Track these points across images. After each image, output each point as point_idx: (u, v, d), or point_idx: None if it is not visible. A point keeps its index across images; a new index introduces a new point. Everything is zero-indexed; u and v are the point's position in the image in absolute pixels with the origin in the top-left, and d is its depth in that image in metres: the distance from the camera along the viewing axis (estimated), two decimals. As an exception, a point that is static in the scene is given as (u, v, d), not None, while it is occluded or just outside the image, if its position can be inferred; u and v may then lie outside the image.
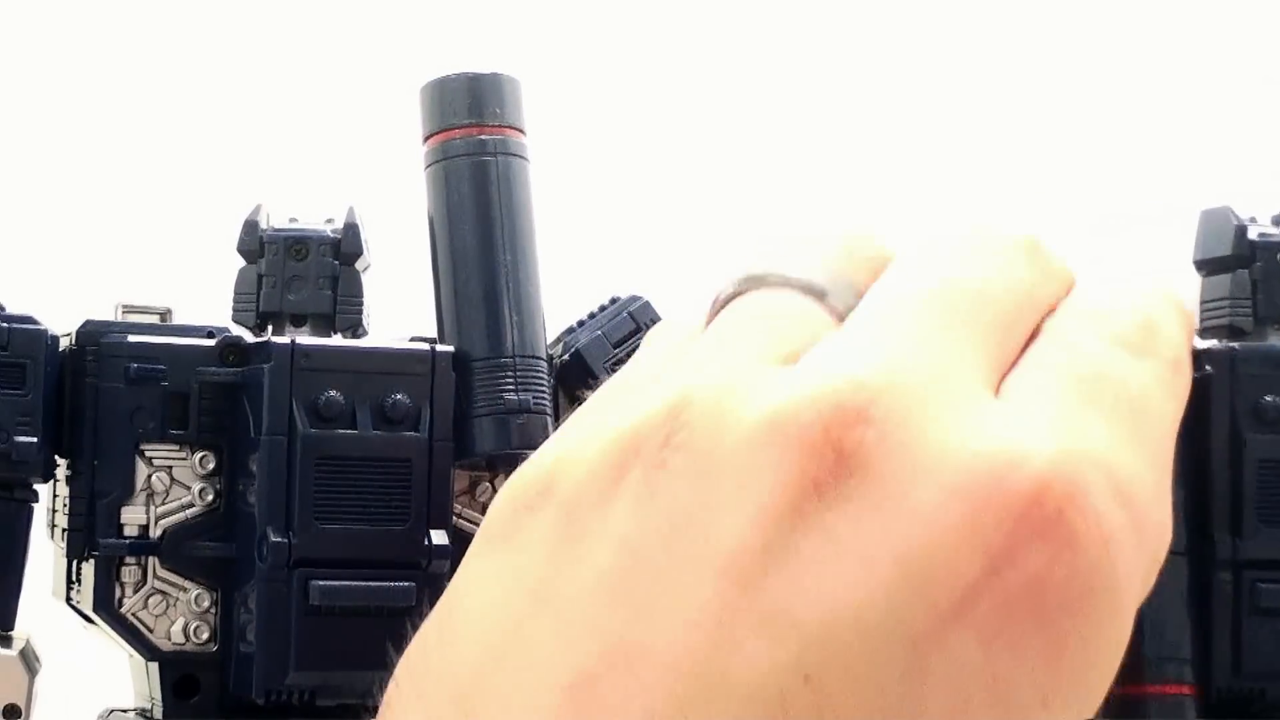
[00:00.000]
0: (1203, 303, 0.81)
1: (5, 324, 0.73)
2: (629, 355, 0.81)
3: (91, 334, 0.74)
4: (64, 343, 0.75)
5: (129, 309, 0.76)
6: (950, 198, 1.47)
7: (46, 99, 1.40)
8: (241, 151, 1.37)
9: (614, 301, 0.81)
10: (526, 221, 0.78)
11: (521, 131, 0.78)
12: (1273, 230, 0.81)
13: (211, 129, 1.39)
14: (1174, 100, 1.45)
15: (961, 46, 1.48)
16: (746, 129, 1.47)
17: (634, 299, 0.81)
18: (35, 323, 0.74)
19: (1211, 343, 0.80)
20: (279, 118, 1.39)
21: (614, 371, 0.78)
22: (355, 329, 0.78)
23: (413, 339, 0.77)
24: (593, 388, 0.35)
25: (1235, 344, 0.79)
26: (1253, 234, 0.80)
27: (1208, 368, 0.77)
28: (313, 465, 0.72)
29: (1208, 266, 0.81)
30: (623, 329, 0.80)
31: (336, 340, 0.77)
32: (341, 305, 0.77)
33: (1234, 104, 1.46)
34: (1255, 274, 0.79)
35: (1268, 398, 0.77)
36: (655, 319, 0.81)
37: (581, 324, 0.80)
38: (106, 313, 0.76)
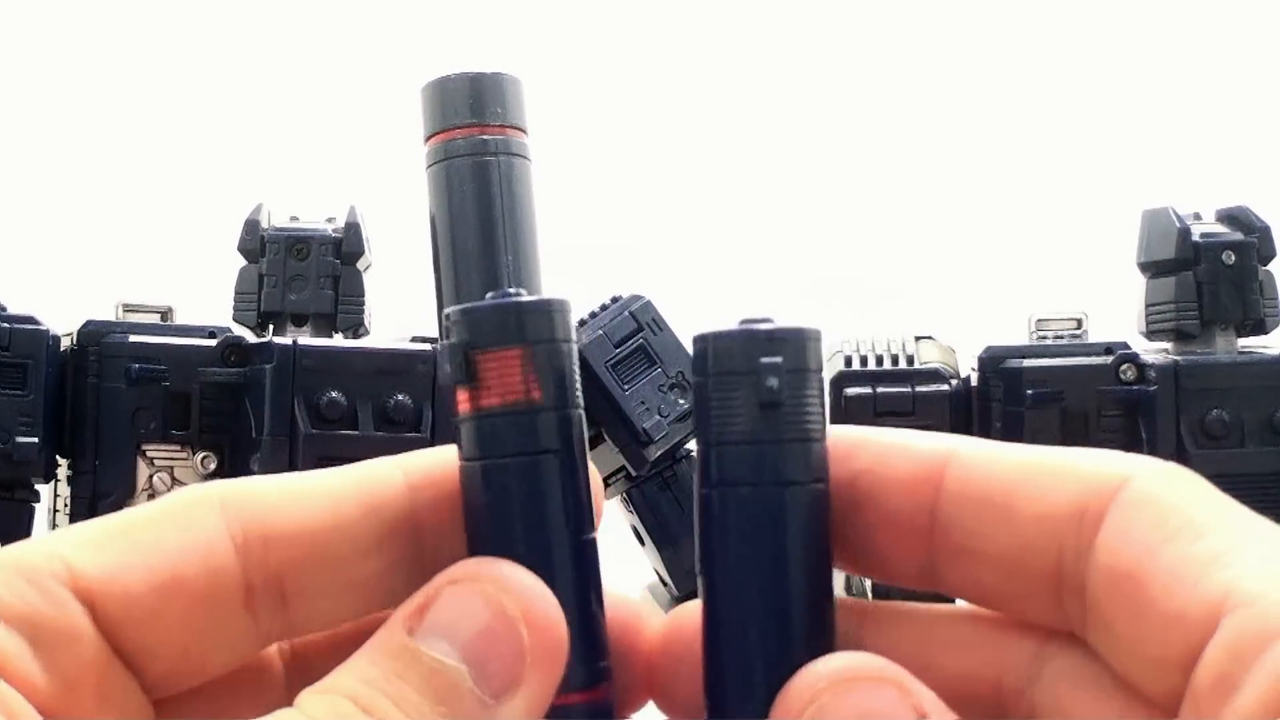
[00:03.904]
0: (1148, 306, 0.80)
1: (6, 324, 0.73)
2: (630, 355, 0.82)
3: (93, 334, 0.74)
4: (65, 343, 0.75)
5: (130, 308, 0.76)
6: (950, 199, 1.47)
7: (47, 99, 1.40)
8: (242, 151, 1.37)
9: (615, 301, 0.81)
10: (528, 221, 0.77)
11: (523, 131, 0.78)
12: (1216, 230, 0.80)
13: (212, 128, 1.39)
14: (1171, 99, 1.45)
15: (962, 48, 1.48)
16: (747, 129, 1.47)
17: (635, 298, 0.81)
18: (36, 323, 0.74)
19: (1158, 353, 0.79)
20: (280, 117, 1.39)
21: (615, 371, 0.79)
22: (356, 329, 0.78)
23: (414, 339, 0.77)
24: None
25: (1179, 356, 0.78)
26: (1195, 235, 0.79)
27: (1153, 384, 0.76)
28: (314, 465, 0.72)
29: (1152, 269, 0.80)
30: (624, 328, 0.80)
31: (338, 340, 0.77)
32: (343, 305, 0.77)
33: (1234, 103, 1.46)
34: (1200, 276, 0.79)
35: (1214, 412, 0.76)
36: (656, 319, 0.81)
37: (583, 323, 0.80)
38: (107, 313, 0.76)
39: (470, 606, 0.31)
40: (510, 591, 0.31)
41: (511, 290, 0.34)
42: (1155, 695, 0.30)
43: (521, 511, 0.32)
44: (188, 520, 0.32)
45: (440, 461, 0.34)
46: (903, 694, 0.30)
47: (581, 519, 0.33)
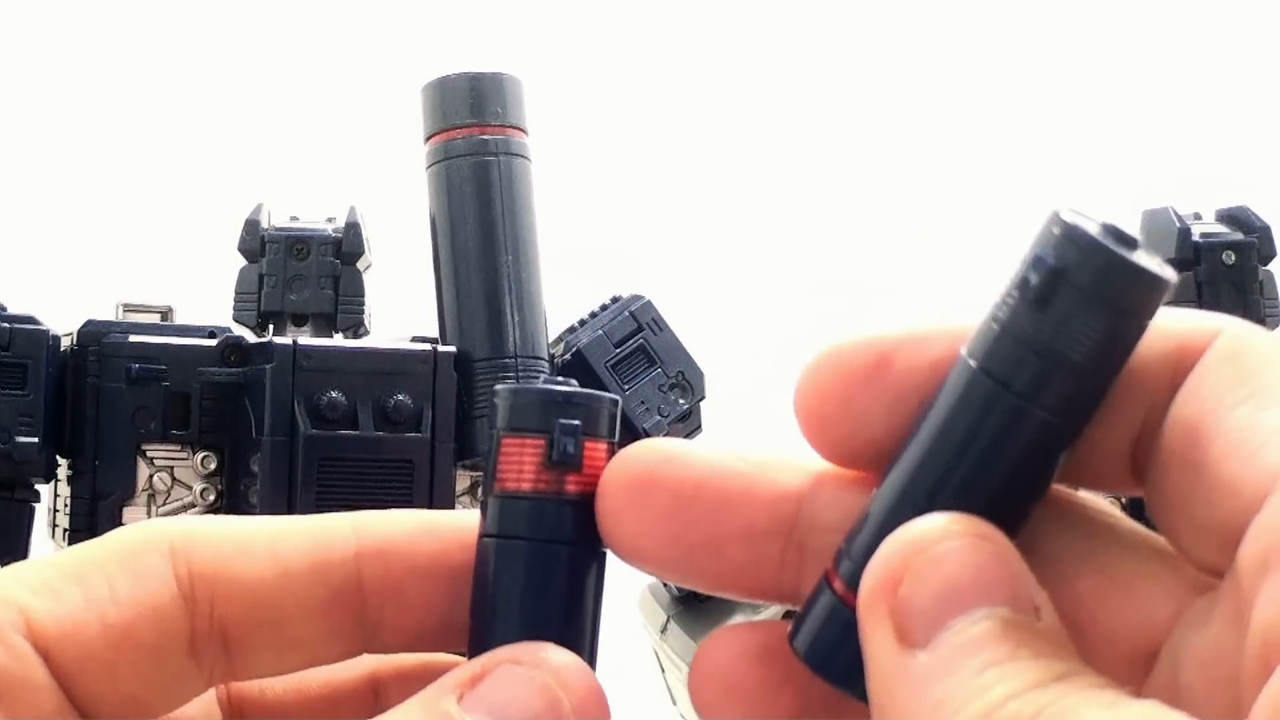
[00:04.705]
0: None
1: (7, 324, 0.73)
2: (630, 355, 0.82)
3: (93, 334, 0.74)
4: (65, 343, 0.75)
5: (130, 308, 0.76)
6: (949, 199, 1.47)
7: (47, 99, 1.40)
8: (242, 151, 1.37)
9: (615, 301, 0.81)
10: (528, 221, 0.78)
11: (523, 131, 0.78)
12: (1216, 230, 0.80)
13: (212, 128, 1.39)
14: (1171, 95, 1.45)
15: (961, 48, 1.48)
16: (747, 129, 1.47)
17: (635, 298, 0.81)
18: (36, 323, 0.74)
19: None
20: (280, 117, 1.39)
21: (615, 371, 0.79)
22: (357, 329, 0.78)
23: (414, 339, 0.77)
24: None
25: None
26: (1195, 235, 0.79)
27: None
28: (315, 466, 0.72)
29: None
30: (624, 328, 0.80)
31: (338, 340, 0.77)
32: (343, 305, 0.77)
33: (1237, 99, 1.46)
34: (1200, 276, 0.78)
35: None
36: (656, 319, 0.80)
37: (583, 323, 0.80)
38: (107, 312, 0.76)
39: (525, 692, 0.31)
40: (569, 688, 0.31)
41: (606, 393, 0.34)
42: (1202, 565, 0.28)
43: (579, 599, 0.33)
44: (138, 567, 0.32)
45: (396, 530, 0.33)
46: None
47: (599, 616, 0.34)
